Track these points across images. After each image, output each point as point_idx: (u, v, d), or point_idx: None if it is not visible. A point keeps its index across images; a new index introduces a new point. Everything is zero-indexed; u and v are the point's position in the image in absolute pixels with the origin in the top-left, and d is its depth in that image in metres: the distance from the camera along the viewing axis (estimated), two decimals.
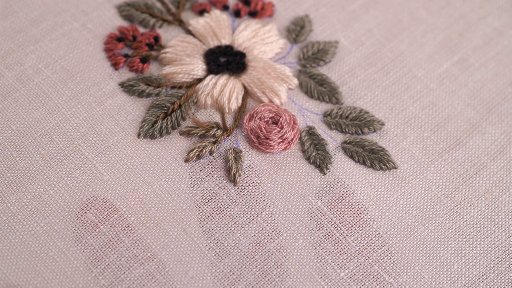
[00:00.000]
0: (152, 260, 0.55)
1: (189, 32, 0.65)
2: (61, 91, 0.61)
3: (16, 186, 0.57)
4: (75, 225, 0.55)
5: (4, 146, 0.58)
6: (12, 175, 0.57)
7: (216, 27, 0.64)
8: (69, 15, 0.65)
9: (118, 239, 0.55)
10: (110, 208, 0.56)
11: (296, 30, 0.66)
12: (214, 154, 0.59)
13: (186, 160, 0.58)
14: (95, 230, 0.55)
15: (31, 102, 0.60)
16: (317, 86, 0.63)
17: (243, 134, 0.60)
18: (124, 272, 0.54)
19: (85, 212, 0.56)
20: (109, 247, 0.55)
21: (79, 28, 0.64)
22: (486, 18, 0.68)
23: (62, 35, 0.64)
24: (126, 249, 0.55)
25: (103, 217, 0.56)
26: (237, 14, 0.66)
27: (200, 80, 0.62)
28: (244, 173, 0.58)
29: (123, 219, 0.56)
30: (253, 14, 0.66)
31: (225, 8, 0.66)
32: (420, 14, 0.68)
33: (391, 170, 0.59)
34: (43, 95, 0.61)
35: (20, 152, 0.58)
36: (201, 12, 0.66)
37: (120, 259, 0.54)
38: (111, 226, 0.55)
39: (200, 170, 0.58)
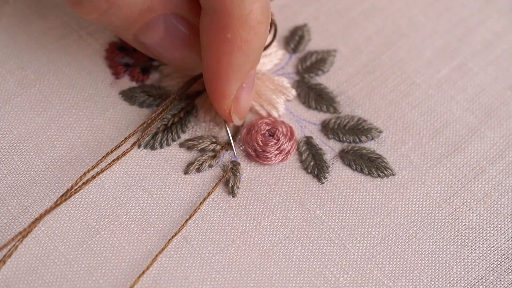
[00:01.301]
0: (154, 266, 0.55)
1: None
2: (63, 98, 0.62)
3: (17, 190, 0.57)
4: (76, 230, 0.56)
5: (6, 151, 0.59)
6: (13, 179, 0.58)
7: None
8: (71, 22, 0.66)
9: (119, 244, 0.55)
10: (111, 215, 0.57)
11: (295, 40, 0.66)
12: (213, 168, 0.59)
13: (186, 173, 0.59)
14: (96, 236, 0.56)
15: (33, 108, 0.61)
16: (315, 96, 0.63)
17: (241, 148, 0.61)
18: (125, 277, 0.54)
19: (86, 218, 0.57)
20: (110, 252, 0.55)
21: (82, 35, 0.65)
22: (485, 22, 0.68)
23: (64, 42, 0.65)
24: (127, 254, 0.55)
25: (104, 223, 0.56)
26: None
27: (200, 92, 0.63)
28: (243, 184, 0.59)
29: (124, 226, 0.56)
30: None
31: None
32: (419, 20, 0.68)
33: (389, 177, 0.59)
34: (45, 101, 0.62)
35: (22, 157, 0.59)
36: None
37: (121, 264, 0.55)
38: (112, 232, 0.56)
39: (200, 183, 0.59)
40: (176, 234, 0.56)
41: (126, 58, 0.64)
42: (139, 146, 0.60)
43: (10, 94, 0.62)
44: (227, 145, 0.60)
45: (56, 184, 0.58)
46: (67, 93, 0.62)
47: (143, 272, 0.54)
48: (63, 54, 0.64)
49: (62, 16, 0.66)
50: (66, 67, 0.64)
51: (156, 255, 0.55)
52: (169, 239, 0.56)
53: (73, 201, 0.57)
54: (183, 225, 0.56)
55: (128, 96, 0.62)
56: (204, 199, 0.58)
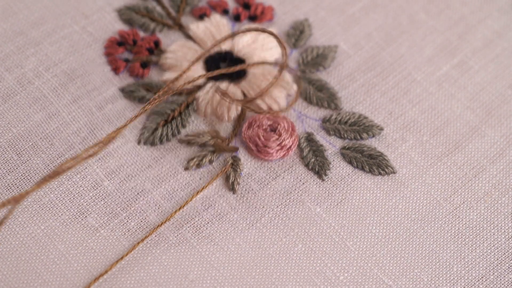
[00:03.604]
0: (153, 264, 0.55)
1: (189, 37, 0.65)
2: (61, 95, 0.61)
3: (17, 189, 0.57)
4: (76, 229, 0.56)
5: (5, 149, 0.59)
6: (13, 178, 0.57)
7: (216, 32, 0.64)
8: (69, 18, 0.65)
9: (118, 243, 0.55)
10: (110, 213, 0.56)
11: (296, 35, 0.66)
12: (213, 163, 0.59)
13: (186, 169, 0.59)
14: (95, 234, 0.55)
15: (32, 106, 0.60)
16: (316, 92, 0.63)
17: (242, 143, 0.60)
18: (125, 275, 0.54)
19: (86, 217, 0.56)
20: (109, 250, 0.55)
21: (79, 31, 0.65)
22: (486, 20, 0.68)
23: (62, 38, 0.64)
24: (127, 252, 0.55)
25: (103, 221, 0.56)
26: (237, 18, 0.66)
27: (200, 87, 0.62)
28: (243, 181, 0.58)
29: (123, 224, 0.56)
30: (253, 19, 0.66)
31: (225, 12, 0.66)
32: (419, 17, 0.68)
33: (390, 175, 0.59)
34: (44, 99, 0.61)
35: (21, 156, 0.58)
36: (201, 16, 0.66)
37: (121, 262, 0.55)
38: (111, 231, 0.56)
39: (200, 179, 0.58)
40: (163, 223, 0.56)
41: (126, 53, 0.64)
42: (138, 142, 0.59)
43: (9, 93, 0.61)
44: (227, 140, 0.60)
45: (55, 183, 0.57)
46: (65, 91, 0.61)
47: (121, 257, 0.54)
48: (60, 51, 0.63)
49: (59, 11, 0.65)
50: (64, 64, 0.63)
51: (138, 243, 0.55)
52: (156, 227, 0.56)
53: (72, 199, 0.57)
54: (171, 214, 0.56)
55: (127, 91, 0.61)
56: (198, 192, 0.57)
